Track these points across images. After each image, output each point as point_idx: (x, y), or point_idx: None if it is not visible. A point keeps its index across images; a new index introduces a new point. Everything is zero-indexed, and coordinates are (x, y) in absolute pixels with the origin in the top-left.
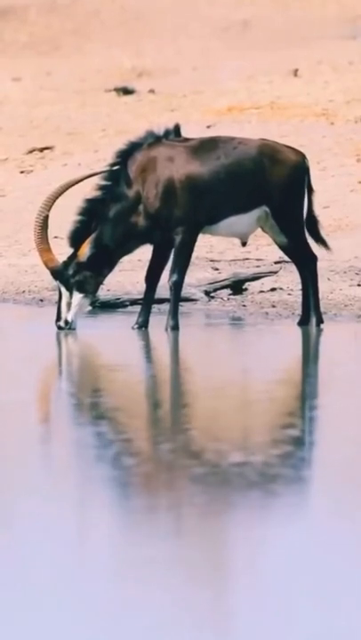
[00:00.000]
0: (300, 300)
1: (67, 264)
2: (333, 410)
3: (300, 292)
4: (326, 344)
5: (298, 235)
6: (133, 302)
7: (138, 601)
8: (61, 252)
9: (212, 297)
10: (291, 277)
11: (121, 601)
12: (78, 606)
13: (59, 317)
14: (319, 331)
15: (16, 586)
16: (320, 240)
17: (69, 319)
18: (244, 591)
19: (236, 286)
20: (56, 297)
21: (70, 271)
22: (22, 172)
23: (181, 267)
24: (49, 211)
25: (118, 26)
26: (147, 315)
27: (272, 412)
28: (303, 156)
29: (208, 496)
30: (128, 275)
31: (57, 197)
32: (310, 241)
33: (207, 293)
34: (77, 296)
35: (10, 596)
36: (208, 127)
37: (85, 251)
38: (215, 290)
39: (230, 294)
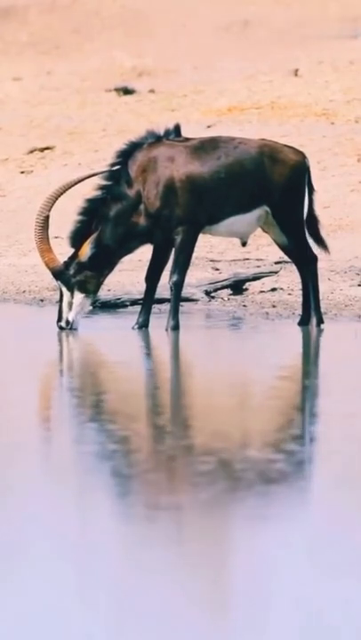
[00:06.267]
0: (300, 300)
1: (68, 264)
2: (334, 409)
3: (301, 292)
4: (327, 344)
5: (298, 235)
6: (134, 302)
7: (138, 601)
8: (62, 251)
9: (213, 297)
10: (291, 277)
11: (120, 600)
12: (78, 605)
13: (60, 318)
14: (320, 331)
15: (15, 579)
16: (320, 241)
17: (71, 319)
18: (245, 592)
19: (237, 286)
20: (56, 297)
21: (71, 271)
22: (23, 172)
23: (182, 267)
24: (49, 211)
25: (118, 26)
26: (147, 315)
27: (273, 410)
28: (304, 156)
29: (210, 493)
30: (128, 275)
31: (57, 197)
32: (310, 241)
33: (207, 293)
34: (78, 296)
35: (9, 592)
36: (208, 127)
37: (86, 251)
38: (215, 290)
39: (231, 294)
